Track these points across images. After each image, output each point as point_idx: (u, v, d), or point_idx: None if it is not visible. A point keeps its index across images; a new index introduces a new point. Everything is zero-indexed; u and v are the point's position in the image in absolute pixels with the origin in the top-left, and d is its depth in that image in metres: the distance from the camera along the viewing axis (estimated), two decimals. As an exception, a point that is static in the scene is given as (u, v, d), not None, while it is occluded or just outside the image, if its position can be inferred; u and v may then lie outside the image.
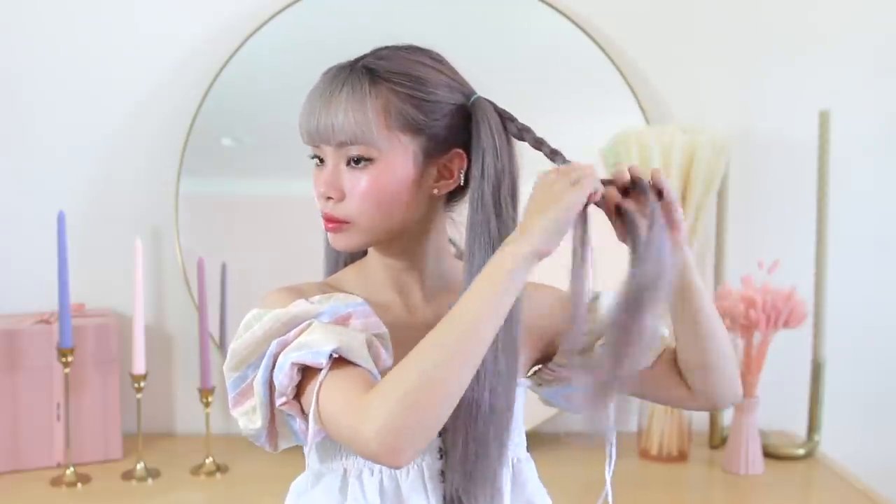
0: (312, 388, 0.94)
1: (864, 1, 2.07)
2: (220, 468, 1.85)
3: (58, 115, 2.01)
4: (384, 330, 0.99)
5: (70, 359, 1.79)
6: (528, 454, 1.11)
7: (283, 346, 0.96)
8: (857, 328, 2.07)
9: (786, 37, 2.06)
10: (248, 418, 0.98)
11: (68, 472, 1.78)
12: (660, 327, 1.09)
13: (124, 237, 1.93)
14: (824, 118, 1.94)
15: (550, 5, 2.01)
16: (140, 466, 1.81)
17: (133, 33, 2.01)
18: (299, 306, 0.98)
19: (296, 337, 0.96)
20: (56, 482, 1.78)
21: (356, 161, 1.00)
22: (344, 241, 1.03)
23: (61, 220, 1.77)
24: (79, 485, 1.77)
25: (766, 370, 1.86)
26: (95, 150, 2.02)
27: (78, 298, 1.91)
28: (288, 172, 1.93)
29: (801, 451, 1.94)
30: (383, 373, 0.96)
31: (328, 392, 0.93)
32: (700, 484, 1.84)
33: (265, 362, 0.96)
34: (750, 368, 1.86)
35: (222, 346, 2.00)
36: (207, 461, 1.84)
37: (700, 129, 1.90)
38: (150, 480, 1.80)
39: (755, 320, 1.80)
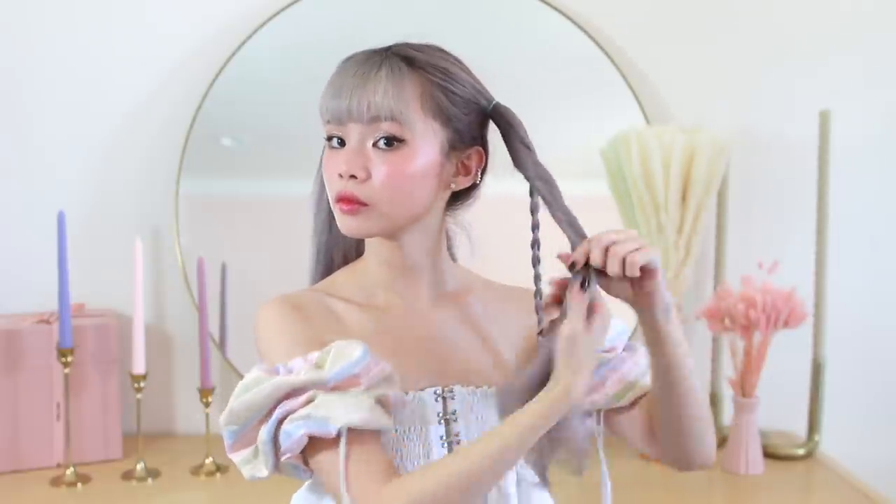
0: (323, 456, 0.95)
1: (865, 1, 2.07)
2: (220, 468, 1.85)
3: (58, 115, 2.01)
4: (389, 370, 0.98)
5: (70, 359, 1.78)
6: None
7: (289, 412, 0.95)
8: (857, 328, 2.07)
9: (786, 37, 2.06)
10: (252, 466, 0.99)
11: (68, 472, 1.78)
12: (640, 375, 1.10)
13: (124, 237, 1.93)
14: (824, 118, 1.94)
15: (550, 5, 2.01)
16: (140, 466, 1.81)
17: (133, 33, 2.01)
18: (302, 375, 0.96)
19: (301, 406, 0.95)
20: (56, 482, 1.78)
21: (387, 142, 0.99)
22: (358, 225, 1.01)
23: (61, 220, 1.77)
24: (79, 485, 1.77)
25: (766, 370, 1.86)
26: (95, 150, 2.02)
27: (78, 298, 1.91)
28: (288, 172, 1.92)
29: (801, 451, 1.94)
30: (392, 404, 0.98)
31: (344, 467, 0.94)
32: (700, 484, 1.84)
33: (269, 426, 0.96)
34: (750, 368, 1.86)
35: (222, 346, 2.00)
36: (207, 461, 1.84)
37: (700, 129, 1.90)
38: (150, 480, 1.80)
39: (755, 320, 1.80)
